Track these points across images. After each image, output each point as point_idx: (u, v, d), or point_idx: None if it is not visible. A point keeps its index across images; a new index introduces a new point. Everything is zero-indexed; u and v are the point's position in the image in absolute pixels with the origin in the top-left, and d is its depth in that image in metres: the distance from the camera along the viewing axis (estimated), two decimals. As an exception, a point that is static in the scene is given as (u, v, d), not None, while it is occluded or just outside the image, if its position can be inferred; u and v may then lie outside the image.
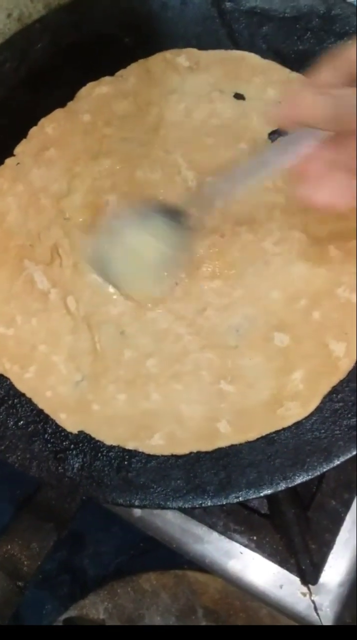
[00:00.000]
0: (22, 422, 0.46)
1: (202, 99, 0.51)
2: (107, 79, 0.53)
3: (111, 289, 0.47)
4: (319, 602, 0.52)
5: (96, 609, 0.60)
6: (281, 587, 0.53)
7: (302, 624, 0.52)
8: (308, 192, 0.34)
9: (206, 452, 0.44)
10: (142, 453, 0.45)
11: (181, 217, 0.38)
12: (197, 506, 0.43)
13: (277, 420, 0.44)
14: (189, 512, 0.55)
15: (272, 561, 0.53)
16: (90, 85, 0.53)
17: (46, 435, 0.46)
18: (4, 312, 0.48)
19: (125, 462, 0.45)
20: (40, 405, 0.47)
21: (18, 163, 0.52)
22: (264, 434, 0.44)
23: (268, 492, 0.43)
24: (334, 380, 0.45)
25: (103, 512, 0.57)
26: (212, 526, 0.54)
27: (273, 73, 0.52)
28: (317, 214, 0.45)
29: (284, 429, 0.44)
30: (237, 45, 0.53)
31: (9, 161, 0.52)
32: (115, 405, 0.46)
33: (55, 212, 0.49)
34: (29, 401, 0.47)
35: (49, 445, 0.45)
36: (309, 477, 0.42)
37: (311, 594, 0.52)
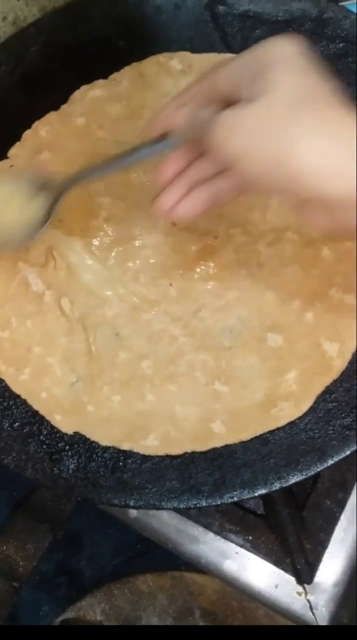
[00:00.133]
0: (17, 423, 0.46)
1: (195, 101, 0.51)
2: (100, 82, 0.53)
3: (107, 292, 0.47)
4: (314, 602, 0.52)
5: (93, 610, 0.60)
6: (276, 586, 0.53)
7: (298, 624, 0.52)
8: (160, 199, 0.37)
9: (201, 453, 0.44)
10: (137, 454, 0.45)
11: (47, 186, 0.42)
12: (192, 506, 0.43)
13: (271, 420, 0.44)
14: (184, 513, 0.55)
15: (268, 561, 0.53)
16: (83, 88, 0.53)
17: (41, 437, 0.46)
18: (-1, 314, 0.48)
19: (120, 463, 0.45)
20: (36, 407, 0.47)
21: (11, 166, 0.52)
22: (258, 434, 0.44)
23: (263, 492, 0.43)
24: (328, 380, 0.45)
25: (99, 513, 0.57)
26: (208, 526, 0.54)
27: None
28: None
29: (278, 429, 0.44)
30: (230, 49, 0.54)
31: (2, 164, 0.52)
32: (110, 407, 0.46)
33: (50, 214, 0.50)
34: (24, 402, 0.47)
35: (44, 447, 0.46)
36: (304, 476, 0.43)
37: (306, 593, 0.52)
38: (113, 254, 0.48)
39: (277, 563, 0.53)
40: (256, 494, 0.43)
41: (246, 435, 0.44)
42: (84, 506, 0.47)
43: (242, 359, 0.46)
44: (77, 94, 0.53)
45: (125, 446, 0.45)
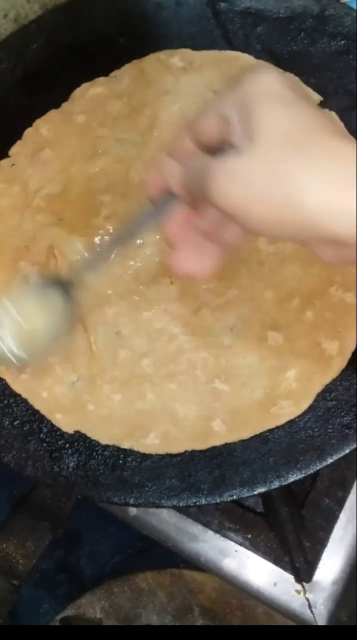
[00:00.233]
0: (17, 421, 0.46)
1: (196, 99, 0.51)
2: (101, 79, 0.53)
3: (108, 290, 0.47)
4: (313, 600, 0.52)
5: (93, 608, 0.60)
6: (275, 585, 0.53)
7: (296, 622, 0.52)
8: (173, 260, 0.36)
9: (200, 451, 0.45)
10: (137, 452, 0.45)
11: (69, 288, 0.39)
12: (191, 505, 0.43)
13: (270, 418, 0.44)
14: (184, 511, 0.55)
15: (267, 559, 0.53)
16: (84, 86, 0.53)
17: (41, 435, 0.46)
18: None
19: (120, 461, 0.45)
20: (36, 406, 0.47)
21: (13, 164, 0.52)
22: (258, 433, 0.44)
23: (262, 490, 0.43)
24: (327, 378, 0.45)
25: (99, 511, 0.57)
26: (207, 525, 0.54)
27: (267, 74, 0.52)
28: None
29: (277, 428, 0.44)
30: (231, 46, 0.54)
31: (4, 162, 0.52)
32: (110, 405, 0.46)
33: (50, 212, 0.49)
34: (25, 401, 0.47)
35: (44, 445, 0.46)
36: (303, 475, 0.43)
37: (305, 591, 0.52)
38: (114, 252, 0.48)
39: (276, 561, 0.53)
40: (255, 493, 0.43)
41: (246, 434, 0.44)
42: (84, 504, 0.47)
43: (242, 358, 0.46)
44: (78, 91, 0.53)
45: (125, 445, 0.45)
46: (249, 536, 0.54)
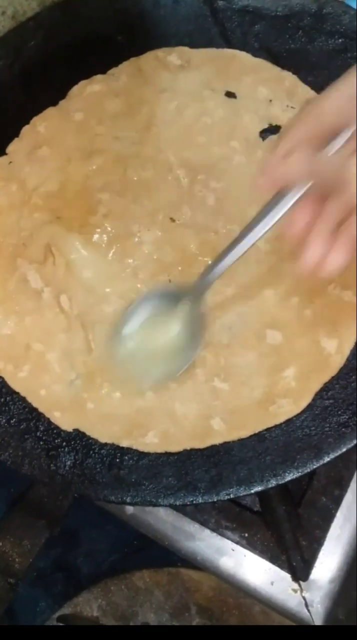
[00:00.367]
0: (14, 419, 0.46)
1: (193, 97, 0.51)
2: (98, 77, 0.53)
3: (106, 288, 0.47)
4: (309, 599, 0.52)
5: (90, 606, 0.60)
6: (272, 583, 0.53)
7: (293, 621, 0.52)
8: (303, 257, 0.34)
9: (197, 450, 0.44)
10: (134, 451, 0.45)
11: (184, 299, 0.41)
12: (188, 503, 0.43)
13: (269, 417, 0.44)
14: (180, 510, 0.55)
15: (264, 558, 0.53)
16: (82, 83, 0.53)
17: (38, 433, 0.46)
18: (-3, 311, 0.48)
19: (117, 460, 0.45)
20: (35, 404, 0.47)
21: (10, 162, 0.52)
22: (257, 431, 0.44)
23: (259, 489, 0.43)
24: (326, 377, 0.45)
25: (97, 510, 0.57)
26: (204, 523, 0.54)
27: (264, 72, 0.52)
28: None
29: (274, 426, 0.44)
30: (229, 44, 0.54)
31: (1, 160, 0.52)
32: (109, 404, 0.46)
33: (48, 210, 0.49)
34: (22, 399, 0.47)
35: (41, 443, 0.46)
36: (300, 474, 0.43)
37: (302, 590, 0.52)
38: (112, 250, 0.48)
39: (273, 560, 0.53)
40: (252, 491, 0.43)
41: (245, 432, 0.44)
42: (81, 502, 0.47)
43: (241, 356, 0.46)
44: (75, 89, 0.53)
45: (124, 443, 0.45)
46: (246, 535, 0.54)
